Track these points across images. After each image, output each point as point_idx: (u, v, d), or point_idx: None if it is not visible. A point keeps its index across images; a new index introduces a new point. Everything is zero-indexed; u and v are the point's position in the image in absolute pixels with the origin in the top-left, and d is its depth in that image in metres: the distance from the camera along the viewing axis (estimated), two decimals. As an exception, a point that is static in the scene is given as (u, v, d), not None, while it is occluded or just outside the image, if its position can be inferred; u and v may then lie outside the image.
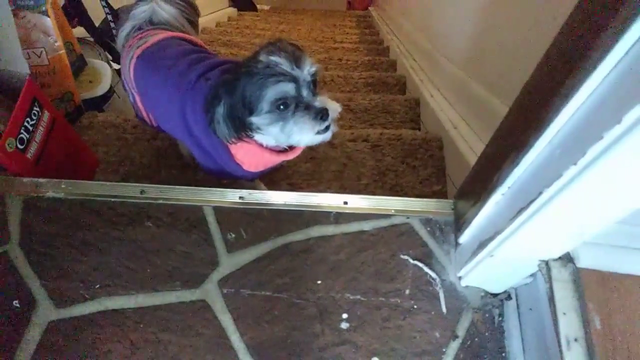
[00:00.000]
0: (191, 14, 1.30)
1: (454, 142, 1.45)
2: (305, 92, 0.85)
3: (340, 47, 3.54)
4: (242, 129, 0.89)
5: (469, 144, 1.38)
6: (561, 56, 0.57)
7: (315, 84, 0.88)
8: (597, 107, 0.49)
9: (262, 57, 0.83)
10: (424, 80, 2.15)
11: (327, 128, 0.89)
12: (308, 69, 0.84)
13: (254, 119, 0.87)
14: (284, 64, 0.82)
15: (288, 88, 0.83)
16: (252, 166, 1.07)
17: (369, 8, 5.91)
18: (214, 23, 4.44)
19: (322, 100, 0.87)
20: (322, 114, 0.85)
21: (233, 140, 0.92)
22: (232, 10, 5.34)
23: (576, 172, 0.52)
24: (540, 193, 0.60)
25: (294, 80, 0.83)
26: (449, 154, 1.53)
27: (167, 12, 1.22)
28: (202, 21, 4.09)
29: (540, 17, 1.08)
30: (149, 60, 1.10)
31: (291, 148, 1.05)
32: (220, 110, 0.86)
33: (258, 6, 5.86)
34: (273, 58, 0.82)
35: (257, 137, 0.95)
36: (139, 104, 1.23)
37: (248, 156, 1.03)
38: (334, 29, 4.67)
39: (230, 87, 0.86)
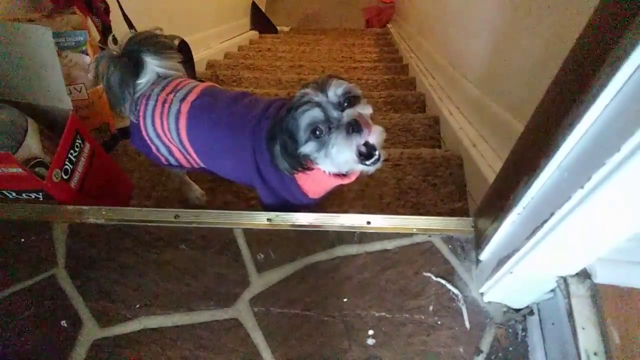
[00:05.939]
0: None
1: (473, 160, 1.47)
2: (334, 114, 0.88)
3: (360, 67, 3.58)
4: (299, 161, 0.94)
5: (488, 161, 1.40)
6: (565, 86, 0.61)
7: (351, 102, 0.90)
8: (599, 135, 0.53)
9: (298, 93, 0.90)
10: (443, 98, 2.18)
11: (376, 160, 0.91)
12: (334, 91, 0.88)
13: (302, 149, 0.92)
14: (310, 92, 0.88)
15: (314, 113, 0.87)
16: (316, 193, 1.12)
17: (388, 25, 5.93)
18: (236, 47, 4.56)
19: (349, 114, 0.87)
20: (353, 127, 0.86)
21: (295, 171, 0.97)
22: (254, 34, 5.46)
23: (583, 195, 0.56)
24: (552, 214, 0.63)
25: (318, 104, 0.87)
26: (469, 171, 1.55)
27: (164, 65, 1.18)
28: (225, 45, 4.24)
29: (551, 38, 1.12)
30: (204, 110, 1.09)
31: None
32: (278, 147, 0.93)
33: (278, 28, 5.98)
34: (303, 90, 0.89)
35: (317, 166, 0.98)
36: (177, 154, 1.21)
37: (314, 185, 1.07)
38: (353, 48, 4.71)
39: (280, 124, 0.92)
